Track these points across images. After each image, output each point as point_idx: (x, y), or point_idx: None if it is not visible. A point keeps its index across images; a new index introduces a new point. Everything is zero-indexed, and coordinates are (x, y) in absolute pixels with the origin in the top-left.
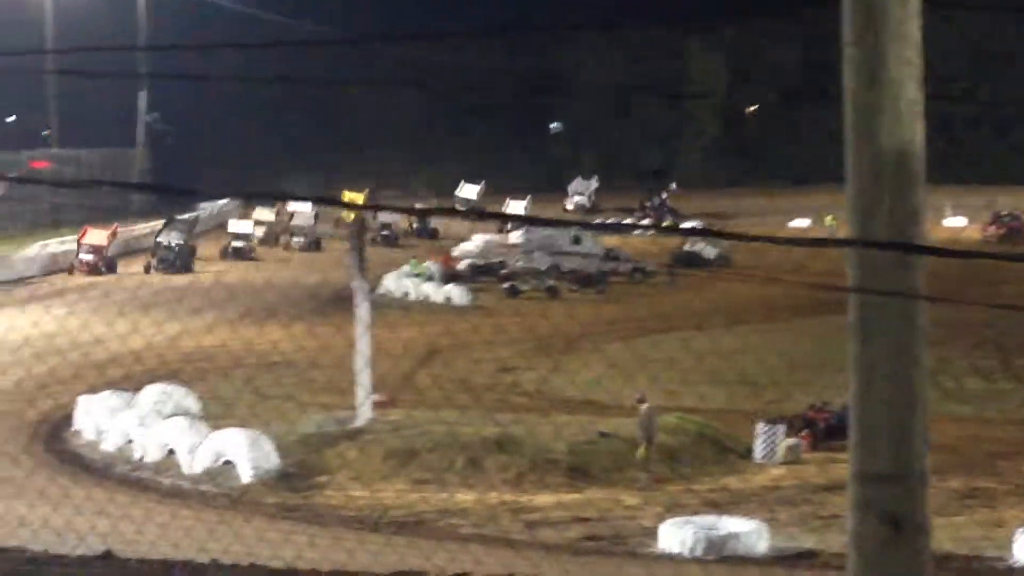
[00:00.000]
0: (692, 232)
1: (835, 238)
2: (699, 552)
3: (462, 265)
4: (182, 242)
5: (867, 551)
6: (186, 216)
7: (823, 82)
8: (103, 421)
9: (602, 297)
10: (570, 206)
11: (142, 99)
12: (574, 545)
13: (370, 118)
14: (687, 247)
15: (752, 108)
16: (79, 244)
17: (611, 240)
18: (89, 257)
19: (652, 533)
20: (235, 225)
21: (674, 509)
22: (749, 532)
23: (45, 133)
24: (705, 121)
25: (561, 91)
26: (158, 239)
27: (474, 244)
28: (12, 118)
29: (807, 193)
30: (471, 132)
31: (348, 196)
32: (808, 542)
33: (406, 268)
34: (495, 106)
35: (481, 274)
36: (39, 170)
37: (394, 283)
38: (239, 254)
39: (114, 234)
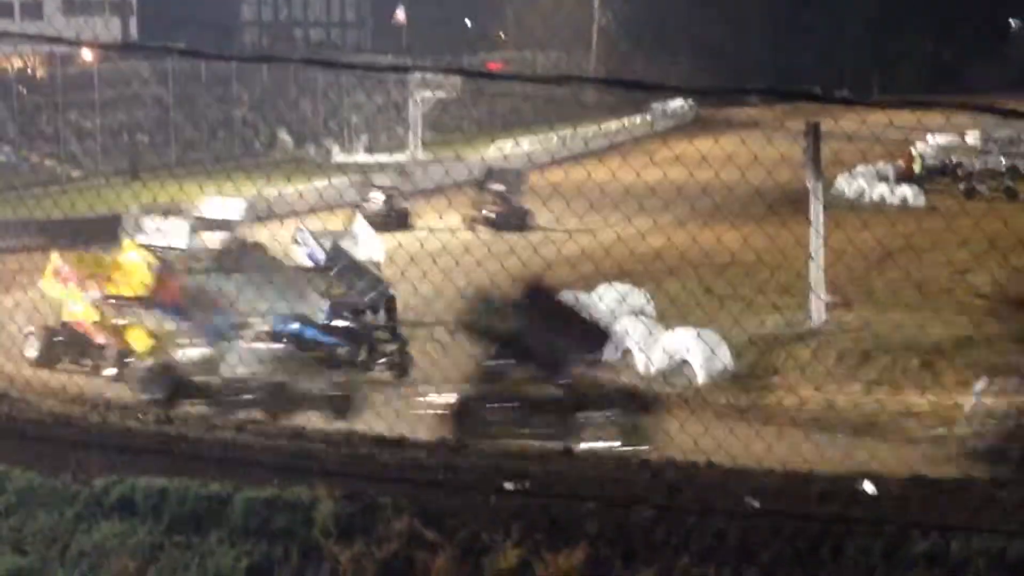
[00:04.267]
0: None
1: None
2: None
3: (918, 166)
4: None
5: None
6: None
7: None
8: None
9: None
10: None
11: (596, 2)
12: None
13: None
14: None
15: None
16: None
17: None
18: None
19: None
20: None
21: None
22: None
23: (501, 36)
24: None
25: None
26: None
27: (932, 144)
28: (469, 23)
29: None
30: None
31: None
32: None
33: (861, 169)
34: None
35: (938, 175)
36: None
37: (847, 184)
38: None
39: None
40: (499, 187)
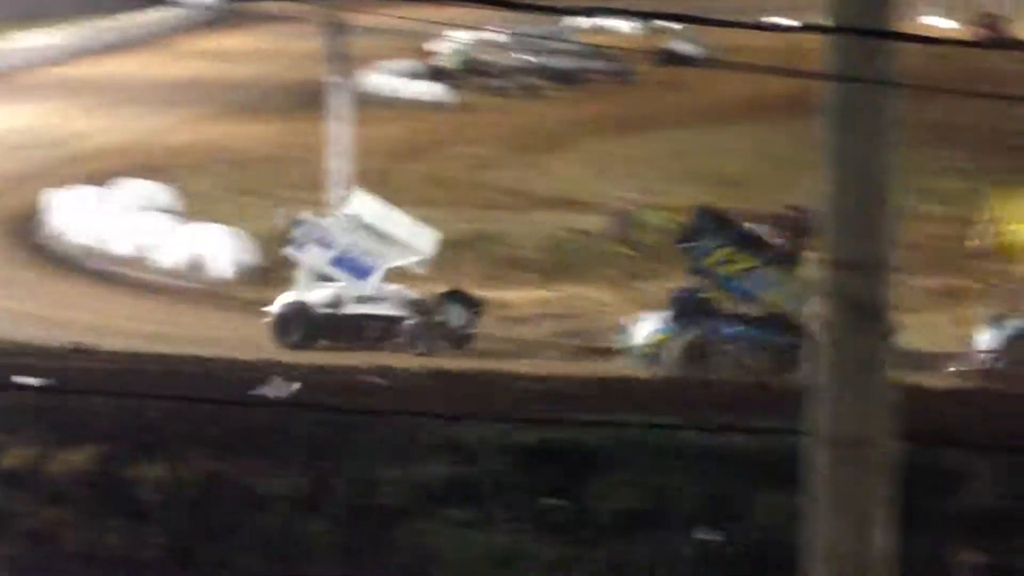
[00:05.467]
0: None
1: (811, 24)
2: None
3: (447, 62)
4: None
5: (835, 336)
6: None
7: None
8: (76, 216)
9: (586, 95)
10: None
11: None
12: (548, 341)
13: None
14: (666, 45)
15: None
16: None
17: (599, 38)
18: None
19: (625, 330)
20: None
21: (648, 306)
22: None
23: None
24: None
25: None
26: None
27: (462, 41)
28: None
29: None
30: None
31: None
32: None
33: (390, 65)
34: None
35: (468, 72)
36: None
37: (376, 80)
38: None
39: None
40: None
